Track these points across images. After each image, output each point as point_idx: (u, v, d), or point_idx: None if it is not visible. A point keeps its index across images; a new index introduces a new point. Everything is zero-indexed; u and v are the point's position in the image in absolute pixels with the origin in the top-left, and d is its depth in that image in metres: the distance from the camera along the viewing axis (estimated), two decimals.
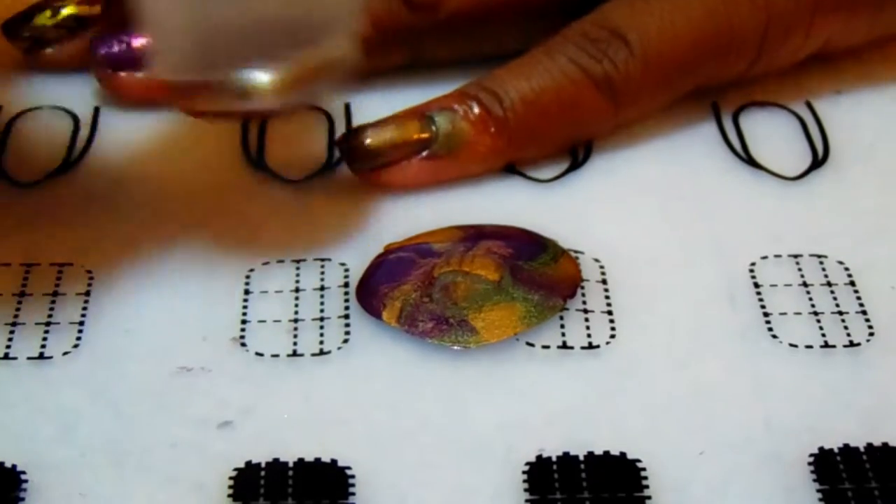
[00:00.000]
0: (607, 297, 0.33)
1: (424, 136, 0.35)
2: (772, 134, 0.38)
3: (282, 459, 0.29)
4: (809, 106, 0.39)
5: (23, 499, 0.28)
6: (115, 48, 0.37)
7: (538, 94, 0.35)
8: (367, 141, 0.35)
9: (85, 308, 0.32)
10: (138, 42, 0.37)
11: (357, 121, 0.37)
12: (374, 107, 0.37)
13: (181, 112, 0.32)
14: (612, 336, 0.32)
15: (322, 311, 0.33)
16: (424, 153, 0.35)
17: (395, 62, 0.39)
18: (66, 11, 0.39)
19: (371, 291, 0.33)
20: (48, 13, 0.39)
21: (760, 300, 0.33)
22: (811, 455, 0.29)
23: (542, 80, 0.36)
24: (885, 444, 0.30)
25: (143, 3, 0.30)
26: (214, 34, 0.30)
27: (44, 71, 0.40)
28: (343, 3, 0.31)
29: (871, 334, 0.32)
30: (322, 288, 0.33)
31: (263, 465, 0.29)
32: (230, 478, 0.29)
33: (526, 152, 0.37)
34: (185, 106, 0.32)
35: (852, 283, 0.34)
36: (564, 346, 0.32)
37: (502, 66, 0.36)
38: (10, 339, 0.31)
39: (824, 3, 0.36)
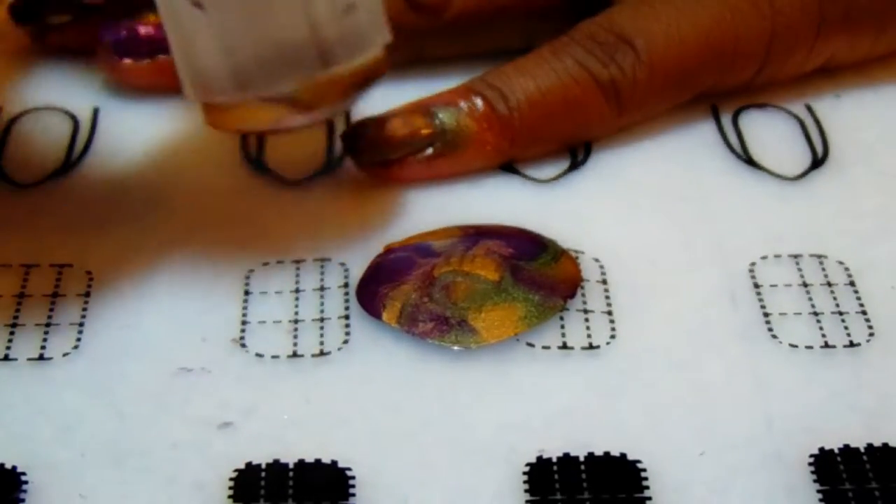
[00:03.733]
0: (607, 298, 0.33)
1: (428, 131, 0.35)
2: (771, 134, 0.38)
3: (282, 460, 0.29)
4: (809, 109, 0.39)
5: (23, 500, 0.28)
6: (122, 35, 0.38)
7: (544, 94, 0.35)
8: (386, 132, 0.35)
9: (85, 309, 0.32)
10: (144, 29, 0.37)
11: (356, 118, 0.37)
12: (374, 103, 0.36)
13: (212, 126, 0.32)
14: (613, 336, 0.32)
15: (322, 311, 0.32)
16: (429, 150, 0.35)
17: (396, 60, 0.39)
18: None
19: (371, 291, 0.33)
20: None
21: (760, 300, 0.33)
22: (811, 455, 0.29)
23: (548, 81, 0.36)
24: (885, 445, 0.30)
25: (169, 27, 0.30)
26: (245, 57, 0.30)
27: (48, 59, 0.40)
28: (373, 18, 0.31)
29: (871, 334, 0.32)
30: (322, 288, 0.33)
31: (264, 465, 0.29)
32: (230, 479, 0.29)
33: (527, 151, 0.37)
34: (216, 121, 0.32)
35: (852, 284, 0.34)
36: (565, 346, 0.32)
37: (508, 64, 0.36)
38: (10, 341, 0.31)
39: (829, 20, 0.37)
